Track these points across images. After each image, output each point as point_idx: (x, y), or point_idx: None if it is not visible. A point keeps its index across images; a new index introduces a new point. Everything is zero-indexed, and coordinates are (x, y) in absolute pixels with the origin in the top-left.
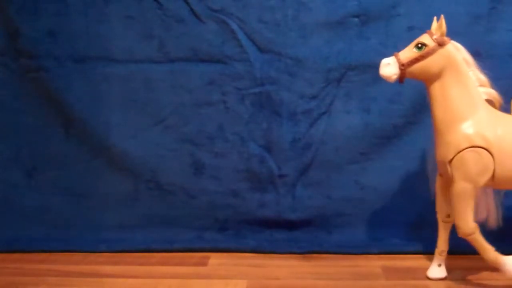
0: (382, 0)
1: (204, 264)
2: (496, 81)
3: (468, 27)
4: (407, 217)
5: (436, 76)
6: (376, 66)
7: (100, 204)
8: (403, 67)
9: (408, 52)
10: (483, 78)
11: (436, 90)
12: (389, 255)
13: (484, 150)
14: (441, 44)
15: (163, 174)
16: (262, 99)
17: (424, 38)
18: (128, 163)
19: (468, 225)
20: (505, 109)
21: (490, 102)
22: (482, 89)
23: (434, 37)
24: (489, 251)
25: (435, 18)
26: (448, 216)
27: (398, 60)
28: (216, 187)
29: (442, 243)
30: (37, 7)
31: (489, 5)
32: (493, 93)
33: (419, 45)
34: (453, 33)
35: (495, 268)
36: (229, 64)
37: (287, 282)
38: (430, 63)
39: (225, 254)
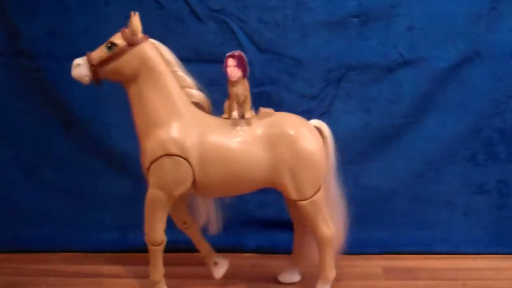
0: (382, 0)
1: (204, 264)
2: (496, 81)
3: (468, 27)
4: (407, 217)
5: (131, 78)
6: (377, 66)
7: (100, 204)
8: (94, 68)
9: (100, 52)
10: (188, 79)
11: (133, 93)
12: (389, 255)
13: (181, 159)
14: (131, 44)
15: None
16: (262, 99)
17: (115, 38)
18: (128, 163)
19: (157, 235)
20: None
21: (199, 105)
22: (189, 91)
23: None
24: (158, 271)
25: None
26: (185, 222)
27: (89, 60)
28: None
29: (200, 246)
30: (37, 7)
31: (489, 5)
32: (200, 96)
33: (109, 45)
34: (453, 33)
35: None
36: None
37: (287, 282)
38: (122, 64)
39: (225, 254)
